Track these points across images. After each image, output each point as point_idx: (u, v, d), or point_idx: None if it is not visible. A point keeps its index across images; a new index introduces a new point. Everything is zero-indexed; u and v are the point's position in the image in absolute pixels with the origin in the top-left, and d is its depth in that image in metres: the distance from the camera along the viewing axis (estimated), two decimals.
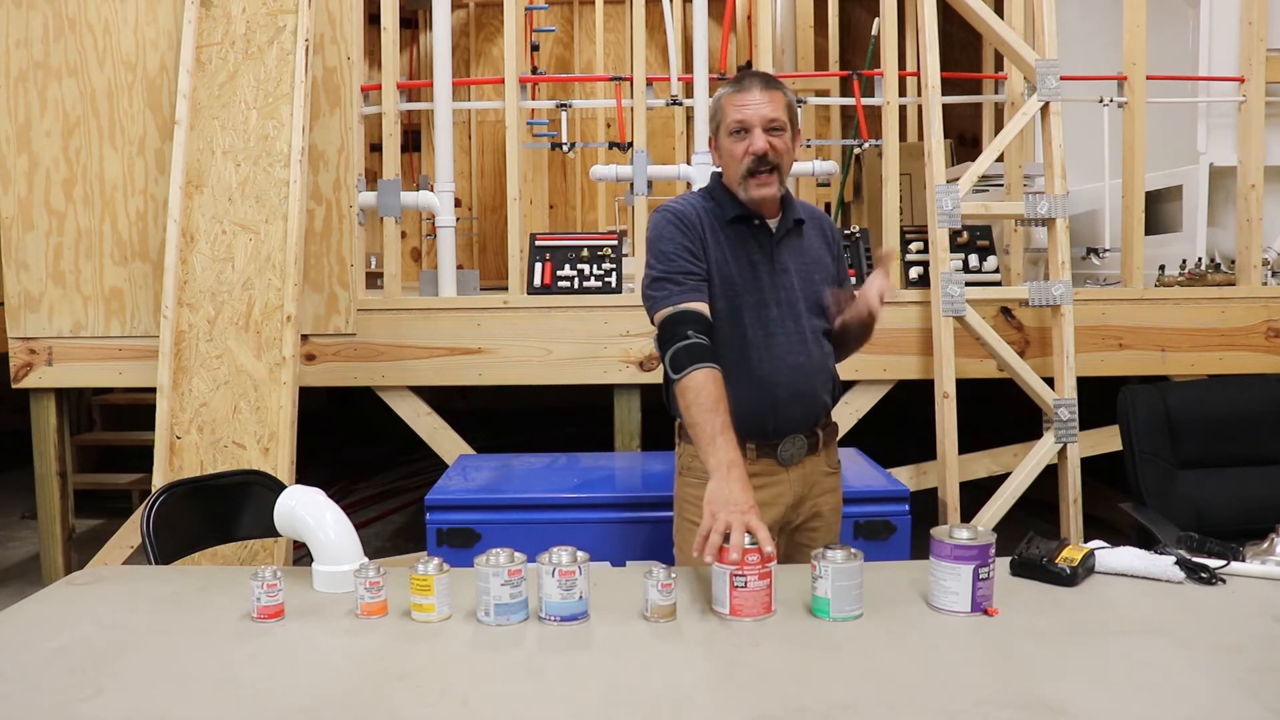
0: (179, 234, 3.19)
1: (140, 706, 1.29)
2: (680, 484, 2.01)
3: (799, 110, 1.91)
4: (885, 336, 3.47)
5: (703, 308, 1.84)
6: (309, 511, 1.80)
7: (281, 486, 1.99)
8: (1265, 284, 3.53)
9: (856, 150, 4.17)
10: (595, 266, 3.58)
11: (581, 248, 3.62)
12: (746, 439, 1.87)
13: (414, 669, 1.39)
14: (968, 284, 3.32)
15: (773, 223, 1.95)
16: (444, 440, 3.56)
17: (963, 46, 5.37)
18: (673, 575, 1.55)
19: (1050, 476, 3.37)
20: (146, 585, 1.78)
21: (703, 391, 1.74)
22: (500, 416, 6.33)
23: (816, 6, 5.42)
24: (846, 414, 3.50)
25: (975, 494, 3.45)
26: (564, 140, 3.92)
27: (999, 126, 4.22)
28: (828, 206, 5.33)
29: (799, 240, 1.98)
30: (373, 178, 3.66)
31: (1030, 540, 1.77)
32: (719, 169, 1.96)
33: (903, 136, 4.45)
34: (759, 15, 3.63)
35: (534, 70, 5.63)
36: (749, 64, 4.67)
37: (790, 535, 2.01)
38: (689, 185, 3.58)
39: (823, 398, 1.98)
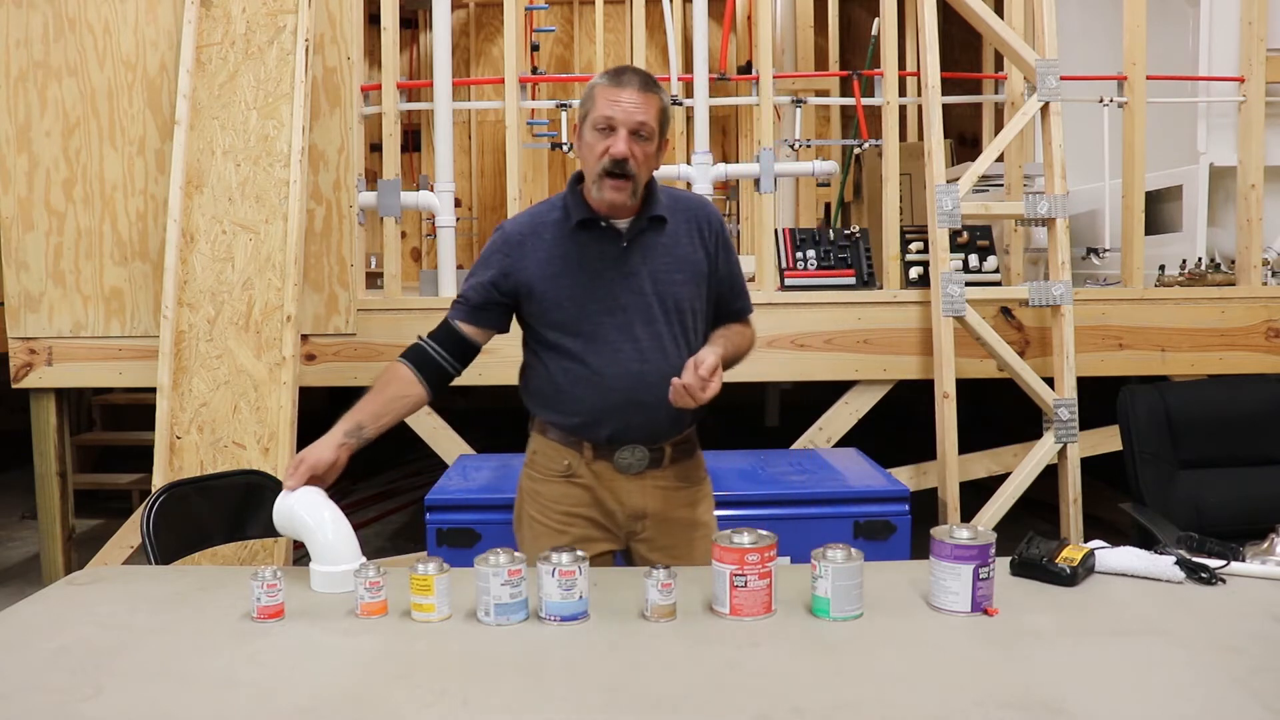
0: (179, 234, 3.19)
1: (140, 706, 1.29)
2: (522, 475, 2.02)
3: (671, 115, 1.86)
4: (885, 336, 3.47)
5: (462, 327, 1.95)
6: (308, 511, 1.79)
7: (281, 486, 1.99)
8: (1265, 284, 3.53)
9: (856, 150, 4.17)
10: None
11: None
12: (585, 440, 1.91)
13: (414, 669, 1.39)
14: (968, 284, 3.32)
15: (623, 224, 1.86)
16: (444, 440, 3.56)
17: (963, 46, 5.36)
18: (673, 575, 1.55)
19: (1050, 476, 3.37)
20: (146, 585, 1.77)
21: (377, 378, 1.95)
22: (500, 416, 6.32)
23: (816, 6, 5.42)
24: (846, 414, 3.50)
25: (975, 494, 3.46)
26: (564, 140, 3.92)
27: (999, 126, 4.22)
28: (828, 206, 5.33)
29: (657, 238, 1.87)
30: (373, 178, 3.66)
31: (1030, 540, 1.77)
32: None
33: (903, 136, 4.45)
34: (759, 15, 3.62)
35: (534, 70, 5.62)
36: (749, 64, 4.67)
37: (635, 545, 1.96)
38: (689, 185, 3.58)
39: (669, 409, 1.80)
